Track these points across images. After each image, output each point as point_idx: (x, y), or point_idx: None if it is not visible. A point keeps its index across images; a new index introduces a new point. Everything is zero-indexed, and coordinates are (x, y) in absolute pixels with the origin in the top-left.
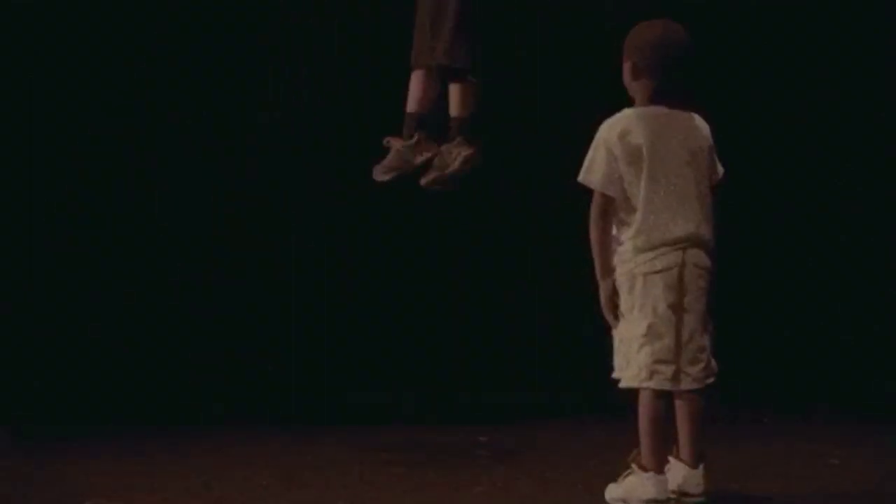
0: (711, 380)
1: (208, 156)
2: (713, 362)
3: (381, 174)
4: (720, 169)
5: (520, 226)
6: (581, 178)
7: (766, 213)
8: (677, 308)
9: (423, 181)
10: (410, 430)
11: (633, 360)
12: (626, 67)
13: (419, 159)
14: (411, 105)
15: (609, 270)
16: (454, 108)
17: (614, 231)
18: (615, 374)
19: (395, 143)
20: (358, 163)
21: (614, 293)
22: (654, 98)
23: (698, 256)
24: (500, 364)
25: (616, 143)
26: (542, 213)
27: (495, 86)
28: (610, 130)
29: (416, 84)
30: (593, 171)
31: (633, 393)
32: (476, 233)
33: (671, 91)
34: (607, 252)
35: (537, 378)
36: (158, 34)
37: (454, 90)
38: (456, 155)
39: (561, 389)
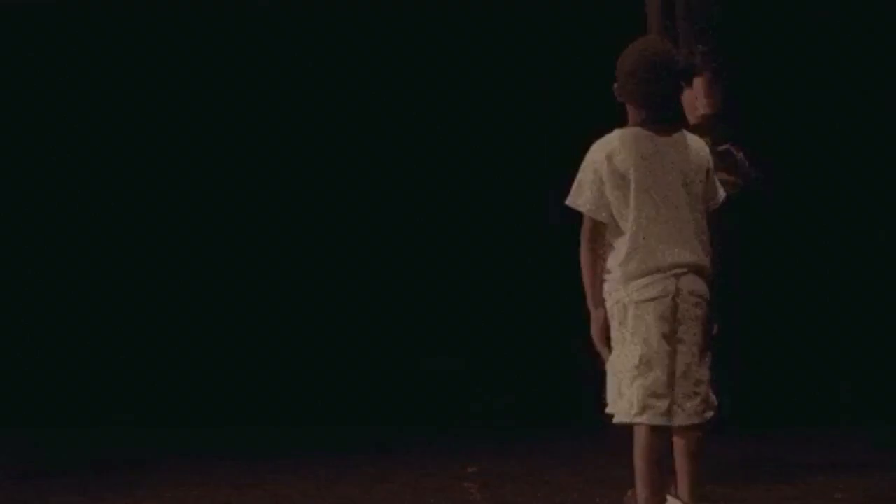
0: (710, 414)
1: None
2: (712, 396)
3: None
4: (720, 192)
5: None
6: (569, 201)
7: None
8: (671, 339)
9: None
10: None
11: (625, 393)
12: (615, 88)
13: None
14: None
15: (600, 299)
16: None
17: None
18: (608, 409)
19: None
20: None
21: (606, 324)
22: (643, 119)
23: (694, 283)
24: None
25: (603, 166)
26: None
27: None
28: (597, 152)
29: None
30: (581, 194)
31: (628, 428)
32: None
33: (659, 112)
34: (598, 280)
35: (534, 409)
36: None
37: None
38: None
39: (558, 421)
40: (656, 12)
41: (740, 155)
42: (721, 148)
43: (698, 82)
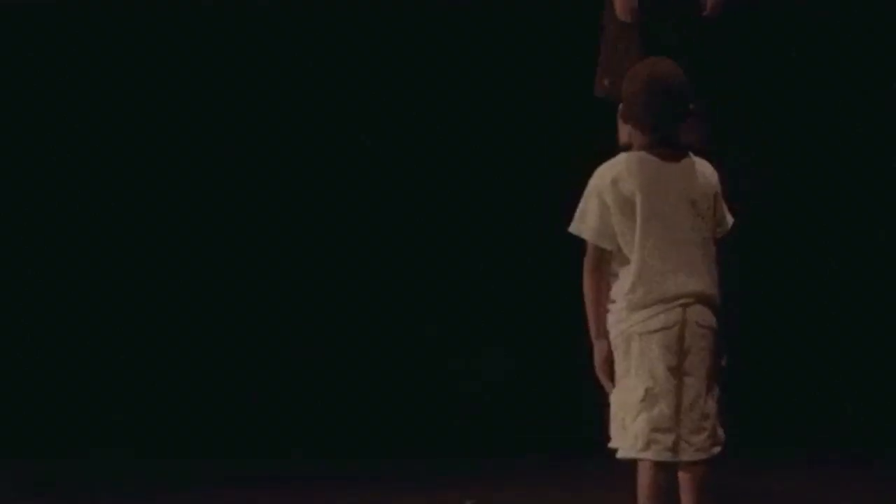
0: (718, 449)
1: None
2: (720, 430)
3: None
4: (729, 219)
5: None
6: (572, 228)
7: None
8: (677, 371)
9: None
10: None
11: (629, 428)
12: (619, 110)
13: None
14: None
15: (604, 330)
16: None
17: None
18: (611, 444)
19: None
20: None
21: (609, 355)
22: (649, 144)
23: (701, 314)
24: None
25: (608, 192)
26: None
27: None
28: (602, 177)
29: None
30: (585, 221)
31: (632, 463)
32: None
33: (665, 136)
34: (602, 310)
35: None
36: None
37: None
38: None
39: (562, 453)
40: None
41: None
42: None
43: None
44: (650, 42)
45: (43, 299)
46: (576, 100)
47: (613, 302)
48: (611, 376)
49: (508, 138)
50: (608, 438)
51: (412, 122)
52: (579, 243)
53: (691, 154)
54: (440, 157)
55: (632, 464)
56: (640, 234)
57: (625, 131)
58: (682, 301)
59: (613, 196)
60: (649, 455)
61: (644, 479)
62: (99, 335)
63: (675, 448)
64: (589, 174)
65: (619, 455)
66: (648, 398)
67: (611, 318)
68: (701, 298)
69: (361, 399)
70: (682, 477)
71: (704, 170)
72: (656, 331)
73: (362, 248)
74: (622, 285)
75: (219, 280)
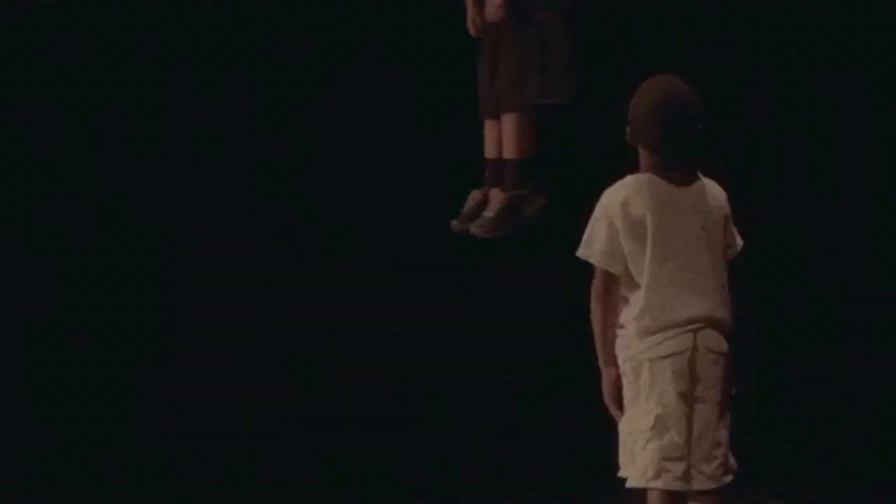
0: (729, 478)
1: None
2: (731, 459)
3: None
4: (738, 241)
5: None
6: (580, 252)
7: None
8: (688, 398)
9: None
10: None
11: (639, 456)
12: (628, 131)
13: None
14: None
15: (612, 356)
16: (517, 147)
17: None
18: (621, 473)
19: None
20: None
21: (618, 382)
22: (658, 165)
23: (713, 339)
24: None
25: (617, 214)
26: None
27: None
28: (610, 199)
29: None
30: (593, 244)
31: (642, 492)
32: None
33: (676, 157)
34: (610, 335)
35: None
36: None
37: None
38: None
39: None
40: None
41: None
42: None
43: None
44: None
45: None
46: None
47: (622, 327)
48: (620, 404)
49: None
50: (617, 467)
51: None
52: (586, 267)
53: (701, 175)
54: None
55: (642, 493)
56: (650, 258)
57: None
58: (692, 326)
59: (623, 219)
60: (660, 484)
61: None
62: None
63: (685, 477)
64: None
65: (629, 484)
66: (659, 426)
67: (620, 344)
68: (712, 323)
69: None
70: None
71: (715, 191)
72: (667, 356)
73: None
74: (631, 310)
75: None
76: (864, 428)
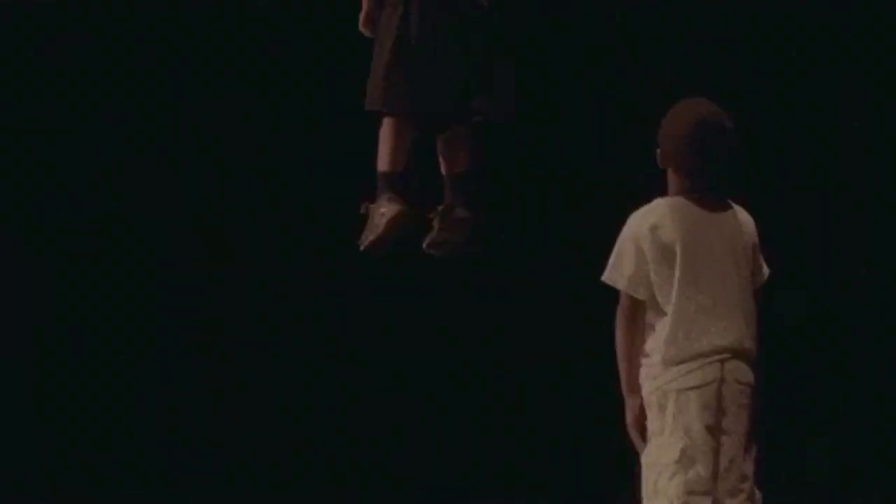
0: None
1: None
2: (757, 493)
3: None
4: (765, 270)
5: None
6: (606, 277)
7: None
8: (715, 430)
9: (424, 245)
10: None
11: (662, 490)
12: (658, 154)
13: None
14: (386, 163)
15: (636, 385)
16: (452, 163)
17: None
18: None
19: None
20: None
21: (642, 412)
22: (689, 189)
23: (740, 370)
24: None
25: (646, 238)
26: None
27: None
28: (639, 223)
29: (391, 135)
30: (620, 269)
31: None
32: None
33: (708, 182)
34: (635, 363)
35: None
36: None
37: (451, 141)
38: (458, 218)
39: None
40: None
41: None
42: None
43: None
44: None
45: None
46: None
47: (647, 356)
48: (643, 434)
49: None
50: (638, 501)
51: None
52: (610, 292)
53: (731, 202)
54: None
55: None
56: (678, 285)
57: None
58: (720, 356)
59: (651, 243)
60: None
61: None
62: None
63: None
64: None
65: None
66: (684, 459)
67: (644, 373)
68: (739, 353)
69: None
70: None
71: (744, 218)
72: (694, 388)
73: None
74: (657, 338)
75: None
76: None
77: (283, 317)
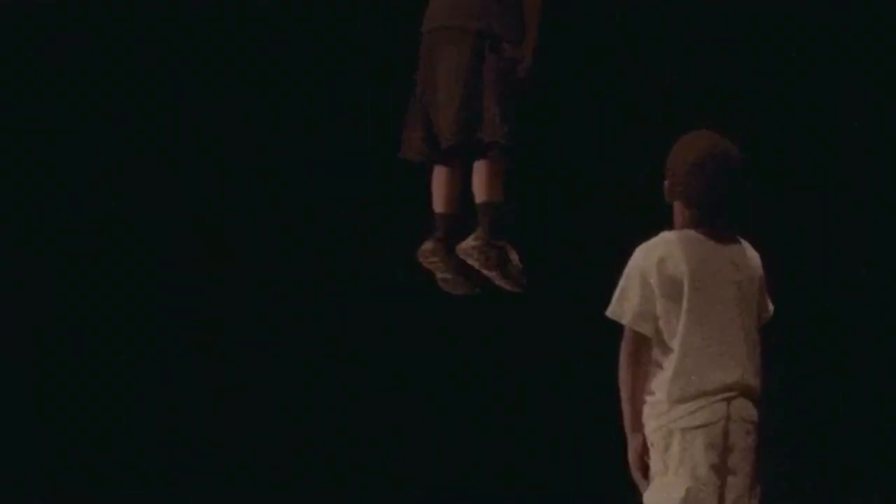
0: None
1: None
2: None
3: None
4: (770, 306)
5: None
6: (610, 311)
7: None
8: (721, 470)
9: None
10: None
11: None
12: (665, 185)
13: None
14: (442, 204)
15: (639, 423)
16: (485, 192)
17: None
18: None
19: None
20: None
21: (645, 451)
22: (697, 221)
23: (746, 408)
24: None
25: (653, 272)
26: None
27: None
28: (646, 257)
29: (443, 178)
30: (625, 304)
31: None
32: None
33: (716, 214)
34: (638, 400)
35: None
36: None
37: (484, 170)
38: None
39: None
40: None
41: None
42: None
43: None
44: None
45: None
46: None
47: (651, 393)
48: (645, 472)
49: None
50: None
51: None
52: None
53: (739, 237)
54: None
55: None
56: (685, 320)
57: None
58: (726, 394)
59: (659, 277)
60: None
61: None
62: None
63: None
64: None
65: None
66: (689, 499)
67: (648, 411)
68: (745, 391)
69: None
70: None
71: (750, 253)
72: (700, 427)
73: None
74: (663, 375)
75: None
76: None
77: (283, 317)
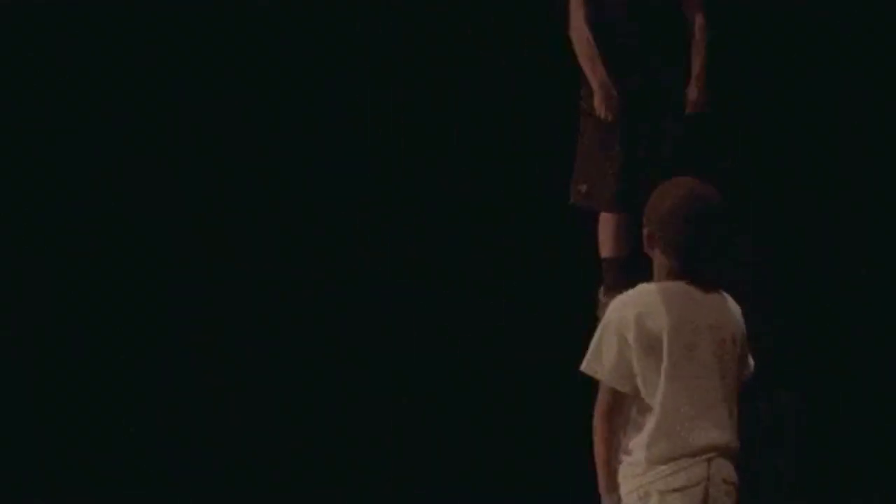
0: None
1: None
2: None
3: None
4: (751, 363)
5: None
6: (584, 366)
7: None
8: None
9: None
10: None
11: None
12: (645, 234)
13: None
14: (612, 249)
15: (614, 483)
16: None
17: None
18: None
19: None
20: None
21: None
22: (677, 272)
23: (726, 469)
24: None
25: (631, 327)
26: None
27: None
28: (624, 310)
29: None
30: (601, 359)
31: None
32: None
33: (696, 265)
34: (614, 460)
35: None
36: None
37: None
38: None
39: None
40: None
41: None
42: None
43: None
44: (629, 142)
45: None
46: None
47: (628, 453)
48: None
49: None
50: None
51: None
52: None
53: (721, 289)
54: None
55: None
56: (665, 378)
57: None
58: (707, 455)
59: (637, 332)
60: None
61: None
62: None
63: None
64: None
65: None
66: None
67: (625, 471)
68: (725, 452)
69: None
70: None
71: (734, 307)
72: (679, 490)
73: None
74: (640, 434)
75: None
76: None
77: (283, 317)
